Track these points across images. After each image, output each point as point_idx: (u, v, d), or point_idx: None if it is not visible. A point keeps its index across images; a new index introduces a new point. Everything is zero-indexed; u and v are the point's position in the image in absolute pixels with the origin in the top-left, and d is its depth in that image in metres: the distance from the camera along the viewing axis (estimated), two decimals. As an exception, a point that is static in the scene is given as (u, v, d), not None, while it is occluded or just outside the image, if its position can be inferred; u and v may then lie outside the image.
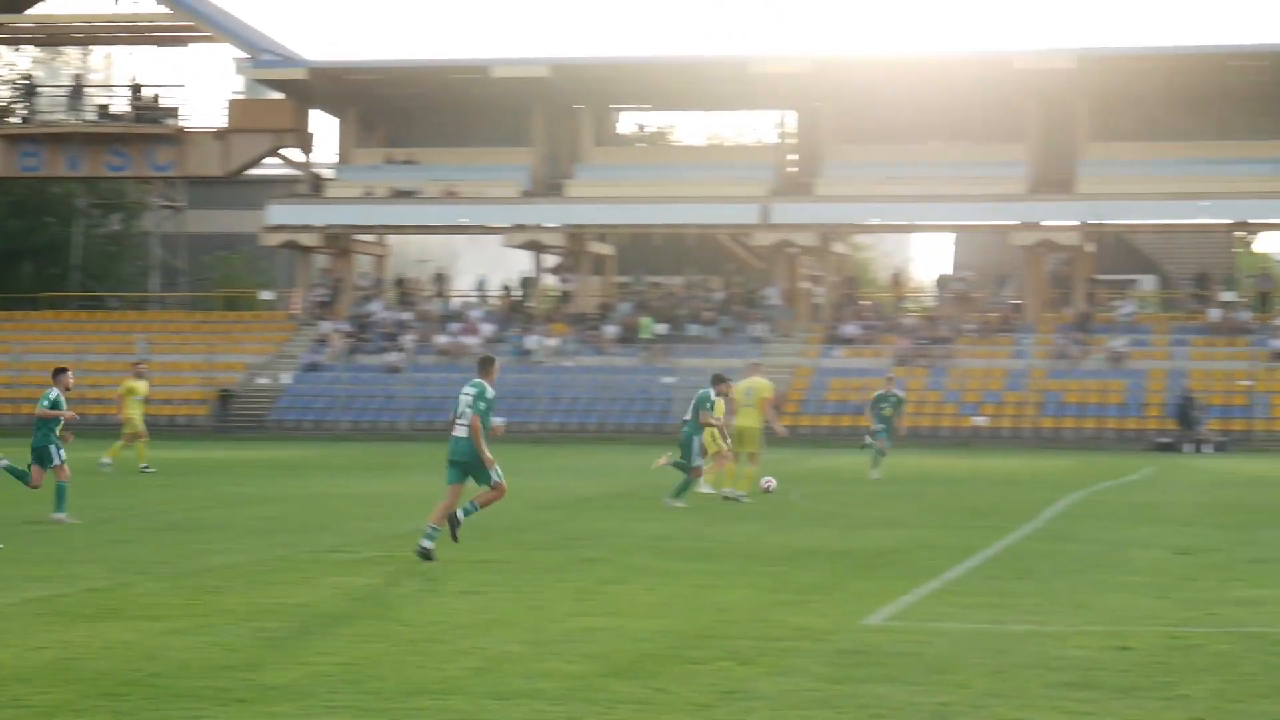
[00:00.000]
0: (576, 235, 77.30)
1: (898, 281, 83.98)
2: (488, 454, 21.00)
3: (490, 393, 21.20)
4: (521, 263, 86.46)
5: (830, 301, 76.70)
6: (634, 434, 65.65)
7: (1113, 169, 72.44)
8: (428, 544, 20.80)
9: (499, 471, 21.18)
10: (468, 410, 21.05)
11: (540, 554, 21.82)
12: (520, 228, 76.52)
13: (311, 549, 22.73)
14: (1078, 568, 20.94)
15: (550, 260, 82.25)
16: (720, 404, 30.99)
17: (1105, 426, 64.96)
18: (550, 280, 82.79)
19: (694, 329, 73.50)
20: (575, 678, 12.99)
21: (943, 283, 79.93)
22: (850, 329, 72.59)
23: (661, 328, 73.36)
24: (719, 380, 31.17)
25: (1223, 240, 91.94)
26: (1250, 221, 74.40)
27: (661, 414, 67.13)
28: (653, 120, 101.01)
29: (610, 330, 73.63)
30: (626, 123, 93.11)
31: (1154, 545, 23.86)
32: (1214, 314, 71.46)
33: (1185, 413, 62.75)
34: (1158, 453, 59.54)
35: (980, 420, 65.70)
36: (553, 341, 73.19)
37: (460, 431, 21.11)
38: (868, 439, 40.78)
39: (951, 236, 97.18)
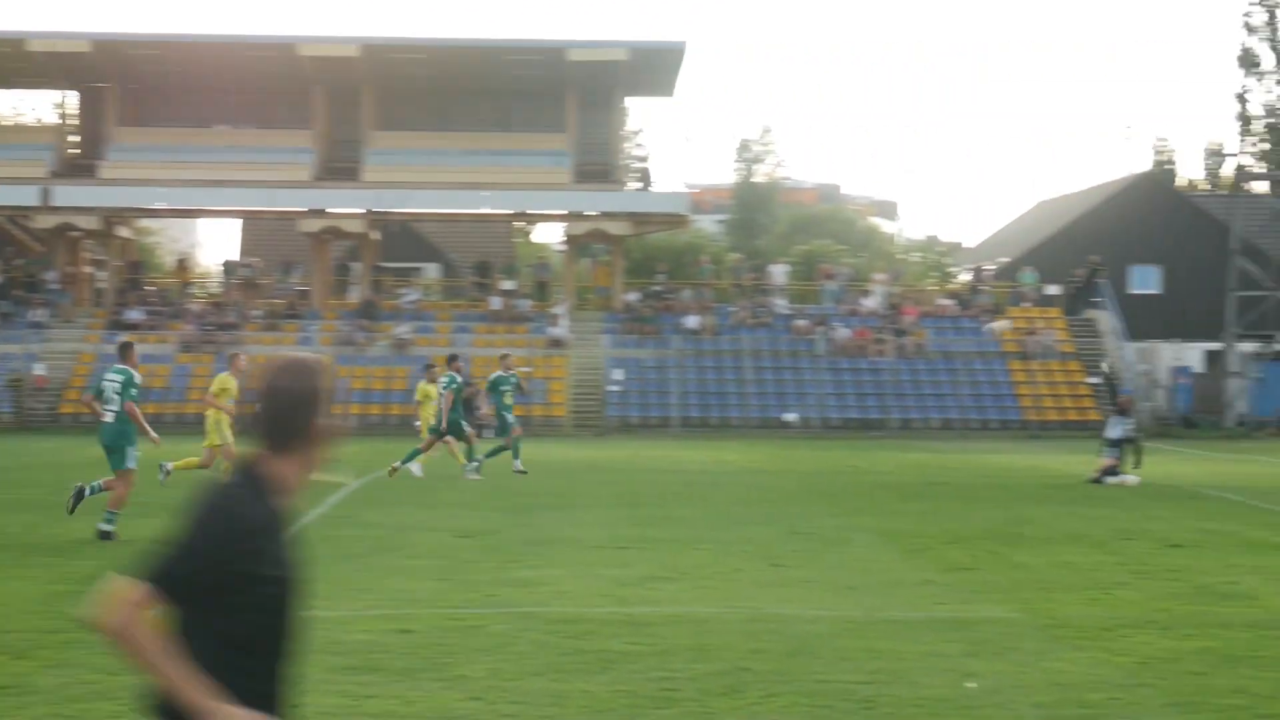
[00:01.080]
0: None
1: (183, 267, 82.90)
2: (153, 434, 23.31)
3: (137, 378, 22.96)
4: None
5: (114, 286, 75.20)
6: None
7: (397, 158, 73.48)
8: (107, 527, 22.28)
9: (135, 459, 22.74)
10: (115, 396, 22.46)
11: None
12: None
13: None
14: (361, 552, 21.18)
15: None
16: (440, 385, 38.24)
17: (389, 413, 65.65)
18: None
19: (-31, 314, 70.94)
20: None
21: (229, 269, 79.40)
22: (135, 314, 71.35)
23: (-66, 312, 70.59)
24: (453, 359, 40.11)
25: (504, 230, 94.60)
26: (529, 212, 76.60)
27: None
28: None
29: (-122, 315, 70.30)
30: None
31: (436, 529, 24.34)
32: (495, 302, 73.33)
33: (468, 400, 64.09)
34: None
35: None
36: None
37: (108, 417, 22.52)
38: (502, 429, 40.43)
39: (239, 222, 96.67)
